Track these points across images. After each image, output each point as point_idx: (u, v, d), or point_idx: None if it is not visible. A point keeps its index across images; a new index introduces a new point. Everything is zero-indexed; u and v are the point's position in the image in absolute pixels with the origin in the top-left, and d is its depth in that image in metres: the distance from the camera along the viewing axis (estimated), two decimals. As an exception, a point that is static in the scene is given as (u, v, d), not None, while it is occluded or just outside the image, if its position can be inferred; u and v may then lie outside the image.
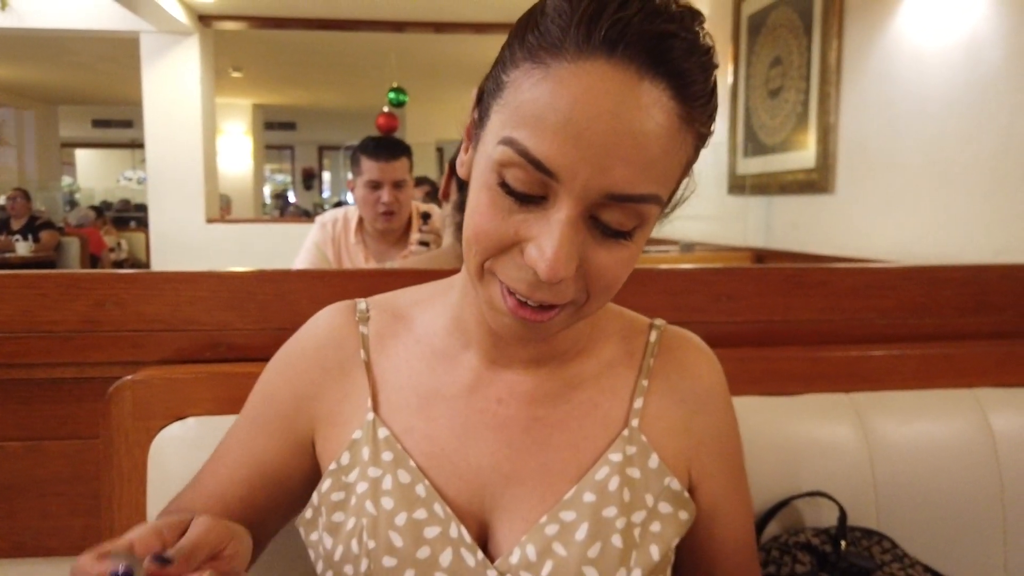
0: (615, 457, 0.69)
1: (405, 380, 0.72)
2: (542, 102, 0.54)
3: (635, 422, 0.71)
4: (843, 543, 0.91)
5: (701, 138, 0.60)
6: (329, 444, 0.72)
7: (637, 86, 0.53)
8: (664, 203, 0.59)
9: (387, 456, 0.69)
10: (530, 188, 0.56)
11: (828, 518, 0.97)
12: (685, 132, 0.57)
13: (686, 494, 0.72)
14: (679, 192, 0.64)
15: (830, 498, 0.95)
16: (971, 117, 2.40)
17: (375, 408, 0.71)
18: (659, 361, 0.75)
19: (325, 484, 0.71)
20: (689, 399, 0.74)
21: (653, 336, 0.76)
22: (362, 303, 0.77)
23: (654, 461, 0.71)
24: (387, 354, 0.74)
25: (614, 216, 0.56)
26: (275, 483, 0.73)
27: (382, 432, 0.70)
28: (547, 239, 0.55)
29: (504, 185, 0.56)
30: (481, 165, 0.59)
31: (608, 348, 0.74)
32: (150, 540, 0.50)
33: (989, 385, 1.10)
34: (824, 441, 1.01)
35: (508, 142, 0.55)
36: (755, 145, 3.86)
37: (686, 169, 0.61)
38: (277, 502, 0.74)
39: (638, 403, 0.72)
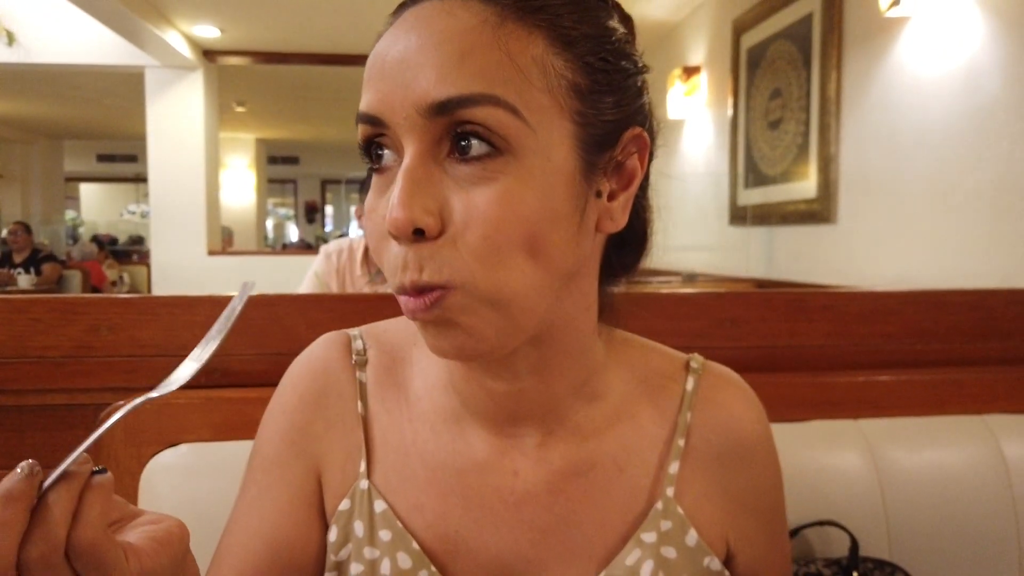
0: (648, 537, 0.60)
1: (410, 445, 0.62)
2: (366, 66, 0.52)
3: (670, 491, 0.62)
4: (855, 574, 0.88)
5: (559, 36, 0.50)
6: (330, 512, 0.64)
7: (438, 5, 0.50)
8: (512, 107, 0.48)
9: (385, 535, 0.60)
10: (378, 150, 0.53)
11: (839, 548, 0.94)
12: (510, 24, 0.49)
13: (727, 573, 0.63)
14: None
15: (841, 527, 0.93)
16: (972, 145, 2.40)
17: (369, 474, 0.62)
18: (696, 415, 0.64)
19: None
20: (728, 455, 0.64)
21: (690, 384, 0.65)
22: (358, 339, 0.67)
23: (692, 538, 0.61)
24: (387, 408, 0.64)
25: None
26: (290, 565, 0.62)
27: (379, 505, 0.60)
28: (394, 190, 0.49)
29: (370, 169, 0.54)
30: None
31: (634, 400, 0.64)
32: None
33: (1000, 411, 1.07)
34: (833, 468, 0.98)
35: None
36: (756, 176, 3.87)
37: (552, 78, 0.50)
38: None
39: (673, 467, 0.62)
